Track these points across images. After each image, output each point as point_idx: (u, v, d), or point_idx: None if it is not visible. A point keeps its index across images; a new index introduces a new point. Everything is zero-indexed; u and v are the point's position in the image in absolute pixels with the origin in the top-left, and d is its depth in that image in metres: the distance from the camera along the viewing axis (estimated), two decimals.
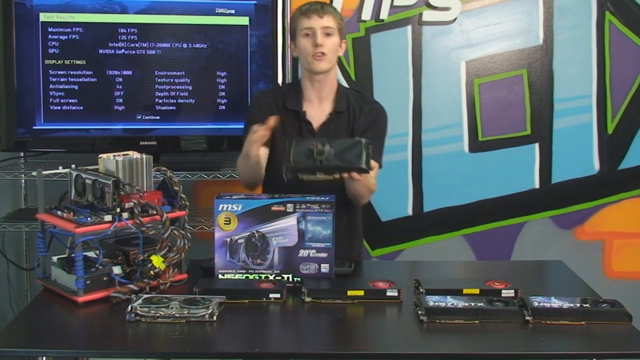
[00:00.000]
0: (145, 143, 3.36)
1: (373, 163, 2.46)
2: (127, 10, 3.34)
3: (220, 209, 2.29)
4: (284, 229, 2.28)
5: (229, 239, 2.29)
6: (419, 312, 2.04)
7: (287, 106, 2.77)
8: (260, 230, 2.28)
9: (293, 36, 2.78)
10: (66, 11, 3.31)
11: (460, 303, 2.04)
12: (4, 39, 3.28)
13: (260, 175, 2.71)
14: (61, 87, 3.35)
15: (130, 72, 3.37)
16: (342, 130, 2.69)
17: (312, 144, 2.28)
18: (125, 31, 3.35)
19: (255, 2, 3.39)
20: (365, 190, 2.64)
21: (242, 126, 2.79)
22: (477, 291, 2.18)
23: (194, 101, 3.42)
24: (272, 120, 2.50)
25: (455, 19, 3.72)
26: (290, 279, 2.28)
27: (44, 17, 3.30)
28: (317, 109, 2.78)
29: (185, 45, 3.40)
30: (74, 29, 3.33)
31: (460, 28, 3.73)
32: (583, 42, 3.75)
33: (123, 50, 3.36)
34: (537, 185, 3.85)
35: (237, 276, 2.30)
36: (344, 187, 2.60)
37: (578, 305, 2.04)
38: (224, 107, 3.41)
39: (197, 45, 3.41)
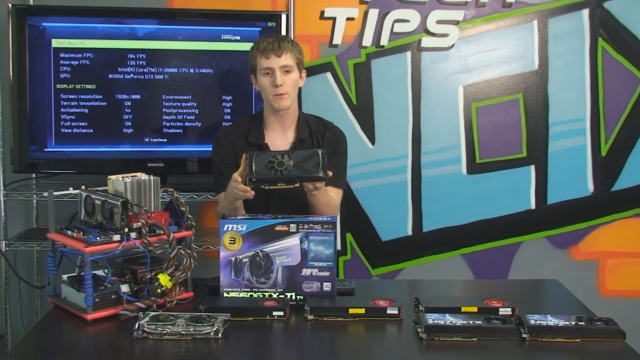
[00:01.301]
0: (153, 165, 3.38)
1: (336, 190, 2.67)
2: (135, 33, 3.37)
3: (225, 229, 2.29)
4: (287, 249, 2.28)
5: (233, 258, 2.29)
6: (419, 330, 2.03)
7: (249, 140, 2.81)
8: (264, 249, 2.28)
9: (253, 72, 2.80)
10: (77, 37, 3.34)
11: (458, 321, 2.03)
12: (17, 65, 3.31)
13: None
14: (72, 110, 3.37)
15: (138, 96, 3.40)
16: None
17: (272, 156, 2.40)
18: (134, 56, 3.38)
19: (259, 28, 3.41)
20: (325, 207, 2.66)
21: None
22: (475, 309, 2.17)
23: (200, 124, 3.44)
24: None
25: (453, 45, 3.74)
26: (293, 297, 2.28)
27: (56, 43, 3.33)
28: (281, 138, 2.82)
29: (192, 70, 3.42)
30: (84, 55, 3.36)
31: (458, 54, 3.75)
32: (577, 68, 3.77)
33: (132, 75, 3.38)
34: (533, 206, 3.85)
35: (241, 294, 2.29)
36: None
37: (573, 323, 2.03)
38: None
39: (204, 70, 3.43)
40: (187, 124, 3.43)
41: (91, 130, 3.38)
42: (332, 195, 2.71)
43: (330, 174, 2.47)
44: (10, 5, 3.30)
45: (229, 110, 3.43)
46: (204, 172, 3.50)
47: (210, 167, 3.43)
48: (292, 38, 2.80)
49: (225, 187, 2.69)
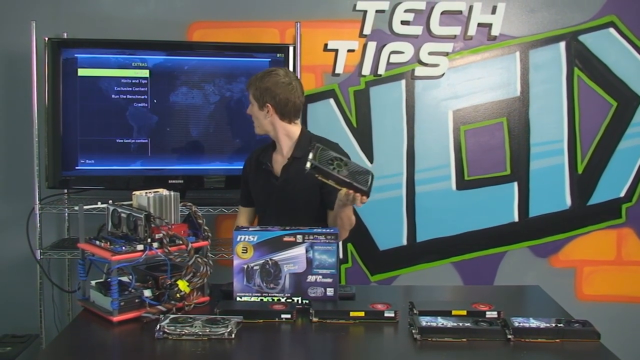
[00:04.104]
0: (173, 181, 3.38)
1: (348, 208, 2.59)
2: (159, 63, 3.37)
3: (238, 239, 2.28)
4: (294, 257, 2.28)
5: (245, 266, 2.28)
6: (413, 331, 2.02)
7: (259, 159, 2.84)
8: (273, 258, 2.28)
9: None
10: (105, 67, 3.34)
11: (449, 323, 2.02)
12: (52, 92, 3.31)
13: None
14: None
15: (160, 120, 3.39)
16: (302, 173, 2.40)
17: (333, 157, 2.29)
18: (157, 84, 3.38)
19: (269, 59, 3.42)
20: (347, 221, 2.64)
21: None
22: (464, 312, 2.16)
23: (215, 145, 3.44)
24: None
25: (444, 74, 3.75)
26: (300, 302, 2.27)
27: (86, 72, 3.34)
28: (282, 157, 2.80)
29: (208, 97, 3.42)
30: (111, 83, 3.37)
31: (447, 82, 3.76)
32: (555, 94, 3.77)
33: (155, 101, 3.38)
34: (516, 219, 3.84)
35: (252, 299, 2.28)
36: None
37: (553, 325, 2.03)
38: (241, 151, 3.43)
39: (219, 97, 3.43)
40: (203, 144, 3.43)
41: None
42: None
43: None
44: (46, 38, 3.32)
45: (241, 133, 3.43)
46: (220, 189, 3.51)
47: (224, 183, 3.47)
48: (264, 75, 2.74)
49: (242, 202, 2.92)
